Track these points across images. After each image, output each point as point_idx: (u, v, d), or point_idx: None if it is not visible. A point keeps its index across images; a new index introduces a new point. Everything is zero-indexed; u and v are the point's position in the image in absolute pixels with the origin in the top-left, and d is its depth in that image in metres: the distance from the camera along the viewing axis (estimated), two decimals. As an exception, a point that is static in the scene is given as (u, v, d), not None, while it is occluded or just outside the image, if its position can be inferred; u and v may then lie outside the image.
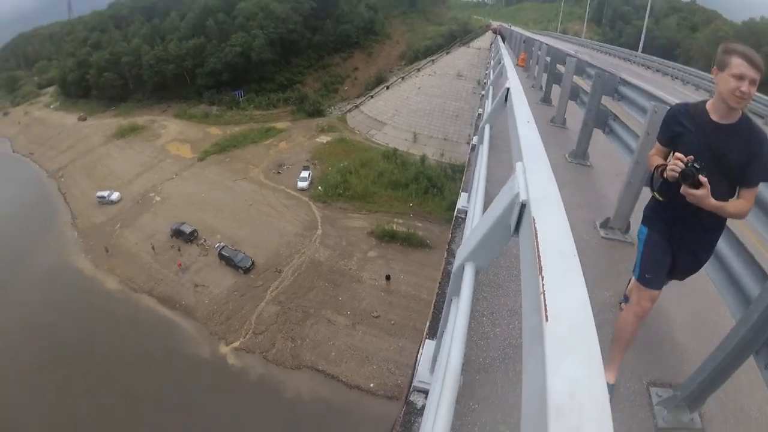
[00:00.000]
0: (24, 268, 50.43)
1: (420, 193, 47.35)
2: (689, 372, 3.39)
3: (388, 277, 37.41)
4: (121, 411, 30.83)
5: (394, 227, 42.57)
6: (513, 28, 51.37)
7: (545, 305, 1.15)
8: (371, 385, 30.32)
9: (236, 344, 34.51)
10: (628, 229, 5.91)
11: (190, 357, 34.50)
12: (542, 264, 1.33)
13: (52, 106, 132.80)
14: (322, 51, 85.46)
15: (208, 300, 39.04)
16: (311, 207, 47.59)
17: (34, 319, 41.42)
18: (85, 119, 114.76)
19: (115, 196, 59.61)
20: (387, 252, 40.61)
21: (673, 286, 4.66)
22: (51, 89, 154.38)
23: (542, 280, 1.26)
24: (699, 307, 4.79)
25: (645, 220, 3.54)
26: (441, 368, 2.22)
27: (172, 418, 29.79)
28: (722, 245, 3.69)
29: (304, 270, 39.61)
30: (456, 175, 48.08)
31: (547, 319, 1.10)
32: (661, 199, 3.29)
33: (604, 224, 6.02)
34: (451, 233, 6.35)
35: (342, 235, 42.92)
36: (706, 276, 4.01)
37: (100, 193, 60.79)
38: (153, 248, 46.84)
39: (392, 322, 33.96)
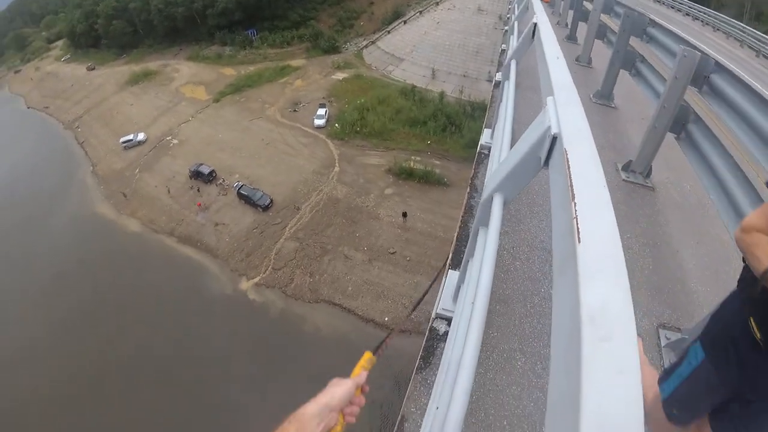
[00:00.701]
0: (48, 217, 52.27)
1: (438, 130, 46.61)
2: (699, 317, 3.50)
3: (404, 214, 37.59)
4: (148, 345, 32.46)
5: (412, 165, 42.35)
6: None
7: (578, 229, 1.24)
8: (386, 319, 31.07)
9: (256, 280, 35.48)
10: (649, 173, 5.96)
11: (213, 293, 35.71)
12: (575, 192, 1.41)
13: (63, 59, 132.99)
14: None
15: (228, 238, 39.98)
16: (328, 145, 47.44)
17: (61, 265, 43.12)
18: (93, 68, 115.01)
19: (141, 136, 60.92)
20: (404, 190, 40.55)
21: (689, 233, 5.09)
22: (60, 42, 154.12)
23: (575, 206, 1.34)
24: (713, 255, 4.80)
25: (706, 341, 2.12)
26: (468, 295, 2.31)
27: (198, 351, 31.22)
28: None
29: (322, 207, 39.97)
30: (475, 113, 47.30)
31: (579, 241, 1.20)
32: (758, 334, 1.72)
33: (626, 167, 6.05)
34: (474, 169, 6.41)
35: (359, 173, 42.95)
36: (722, 225, 4.06)
37: (125, 138, 61.72)
38: (168, 191, 47.70)
39: (408, 258, 34.37)
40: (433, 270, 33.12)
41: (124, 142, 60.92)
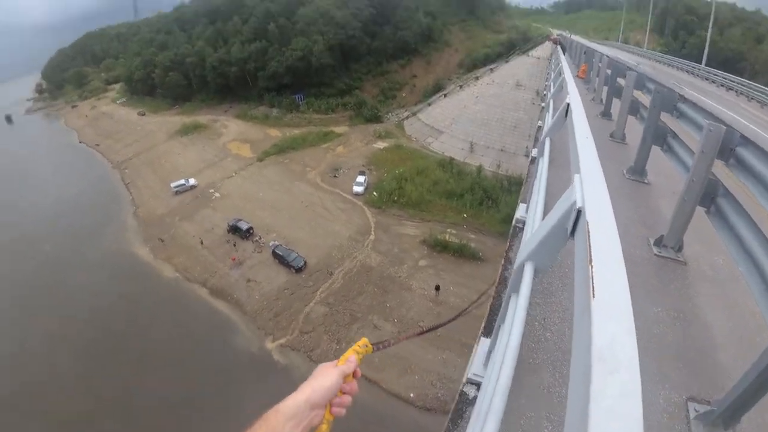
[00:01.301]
0: (88, 252, 54.46)
1: (475, 204, 47.31)
2: (728, 389, 3.49)
3: (437, 288, 37.38)
4: (166, 393, 32.69)
5: (447, 237, 42.67)
6: (573, 37, 50.33)
7: (593, 286, 1.51)
8: (411, 395, 30.72)
9: (282, 341, 35.52)
10: (681, 247, 5.97)
11: (238, 349, 35.96)
12: (592, 256, 1.67)
13: (118, 102, 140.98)
14: (380, 57, 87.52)
15: (258, 296, 40.34)
16: (365, 212, 48.48)
17: (93, 299, 44.53)
18: (144, 114, 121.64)
19: (192, 181, 64.07)
20: (438, 262, 40.60)
21: (719, 306, 5.25)
22: (117, 86, 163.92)
23: (591, 268, 1.60)
24: (744, 327, 4.86)
25: None
26: (498, 360, 2.49)
27: (216, 404, 31.37)
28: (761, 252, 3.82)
29: (355, 274, 40.31)
30: (512, 188, 47.91)
31: (594, 296, 1.47)
32: None
33: (658, 242, 6.10)
34: (509, 242, 6.74)
35: (394, 242, 43.52)
36: (753, 298, 4.11)
37: (176, 183, 64.42)
38: (202, 242, 49.13)
39: (438, 333, 32.99)
40: (464, 347, 32.40)
41: (176, 187, 63.58)
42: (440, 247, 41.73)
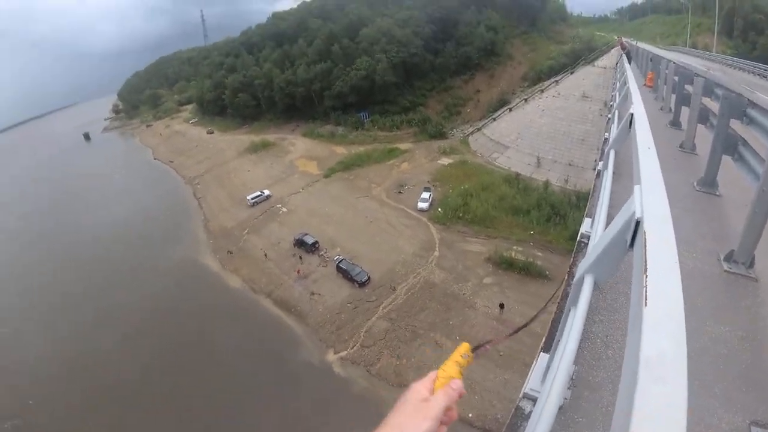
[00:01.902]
0: (157, 259, 58.25)
1: (542, 220, 46.07)
2: None
3: (501, 306, 36.54)
4: (225, 397, 33.93)
5: (513, 255, 41.62)
6: (639, 44, 48.51)
7: (646, 295, 1.53)
8: (470, 415, 29.92)
9: (343, 354, 35.76)
10: (752, 263, 5.63)
11: (299, 359, 36.60)
12: (647, 265, 1.68)
13: (190, 122, 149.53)
14: (443, 73, 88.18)
15: (322, 308, 40.96)
16: (430, 228, 48.39)
17: (161, 304, 47.60)
18: (212, 133, 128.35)
19: (267, 192, 67.66)
20: (503, 280, 39.65)
21: None
22: (190, 107, 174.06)
23: (645, 278, 1.61)
24: None
25: None
26: (552, 373, 2.49)
27: (274, 411, 32.10)
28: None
29: (418, 290, 40.15)
30: (581, 203, 45.99)
31: (646, 305, 1.50)
32: None
33: (728, 257, 5.80)
34: (573, 257, 6.65)
35: (459, 259, 43.04)
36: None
37: (252, 195, 67.91)
38: (265, 254, 50.80)
39: (501, 353, 32.84)
40: (526, 367, 31.45)
41: (253, 198, 66.92)
42: (506, 264, 40.73)
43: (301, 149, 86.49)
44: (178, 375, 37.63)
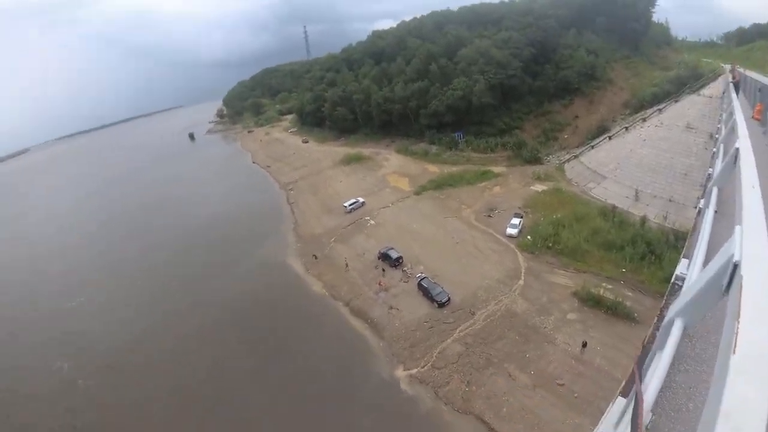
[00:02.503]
0: (249, 258, 61.84)
1: (635, 258, 43.24)
2: None
3: (584, 344, 34.46)
4: (290, 394, 35.44)
5: (601, 292, 39.18)
6: (746, 72, 44.20)
7: (735, 342, 1.51)
8: None
9: (413, 371, 35.54)
10: None
11: (368, 370, 36.96)
12: (741, 311, 1.63)
13: (289, 131, 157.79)
14: (541, 97, 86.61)
15: (398, 323, 41.18)
16: (517, 256, 47.42)
17: (246, 297, 51.12)
18: (307, 142, 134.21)
19: (362, 200, 70.71)
20: (588, 317, 37.58)
21: None
22: (290, 117, 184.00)
23: (738, 324, 1.58)
24: None
25: None
26: (628, 421, 2.41)
27: (334, 418, 32.67)
28: None
29: (498, 318, 39.05)
30: (679, 243, 42.89)
31: (734, 353, 1.48)
32: None
33: None
34: (665, 299, 6.40)
35: (544, 291, 41.56)
36: None
37: (349, 202, 71.08)
38: (346, 265, 52.26)
39: (576, 395, 31.32)
40: (602, 414, 29.29)
41: (350, 205, 69.98)
42: (592, 301, 38.61)
43: (394, 165, 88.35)
44: (244, 361, 40.22)
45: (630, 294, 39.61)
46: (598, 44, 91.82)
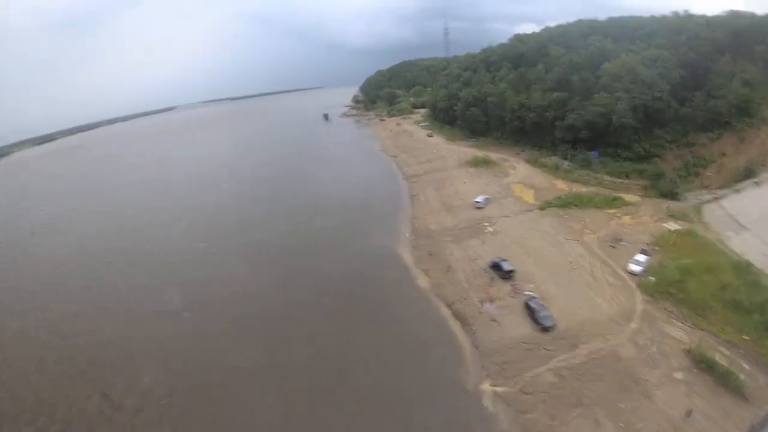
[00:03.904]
0: (364, 239, 66.14)
1: (761, 327, 37.52)
2: None
3: (689, 413, 30.44)
4: (369, 379, 36.58)
5: (716, 357, 34.51)
6: None
7: None
8: None
9: (499, 390, 34.39)
10: None
11: (454, 375, 36.60)
12: None
13: (420, 125, 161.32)
14: (687, 126, 78.40)
15: (496, 337, 40.34)
16: (635, 295, 43.87)
17: (353, 276, 55.04)
18: (431, 136, 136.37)
19: (488, 197, 74.23)
20: (696, 381, 33.24)
21: None
22: (422, 111, 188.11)
23: None
24: None
25: None
26: None
27: (404, 415, 32.93)
28: None
29: (600, 357, 36.08)
30: None
31: None
32: None
33: None
34: None
35: (655, 340, 37.46)
36: None
37: (479, 198, 74.13)
38: (448, 270, 53.10)
39: None
40: None
41: (477, 202, 72.79)
42: (705, 364, 34.05)
43: (521, 174, 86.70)
44: (342, 336, 42.77)
45: (746, 366, 34.48)
46: (755, 75, 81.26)
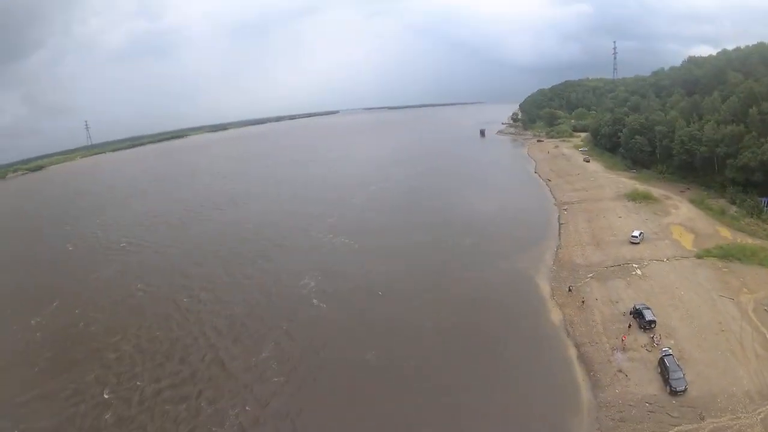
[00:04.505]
0: (500, 261, 68.70)
1: None
2: None
3: None
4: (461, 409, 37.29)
5: None
6: None
7: None
8: None
9: None
10: None
11: (563, 424, 35.32)
12: None
13: (580, 150, 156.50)
14: None
15: (619, 390, 37.94)
16: None
17: (478, 297, 57.11)
18: (588, 161, 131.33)
19: (643, 236, 71.74)
20: None
21: None
22: (583, 135, 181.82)
23: None
24: None
25: None
26: None
27: None
28: None
29: None
30: None
31: None
32: None
33: None
34: None
35: None
36: None
37: (634, 233, 72.18)
38: (582, 301, 52.78)
39: None
40: None
41: (634, 237, 71.07)
42: None
43: (682, 215, 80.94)
44: (457, 355, 45.52)
45: None
46: None
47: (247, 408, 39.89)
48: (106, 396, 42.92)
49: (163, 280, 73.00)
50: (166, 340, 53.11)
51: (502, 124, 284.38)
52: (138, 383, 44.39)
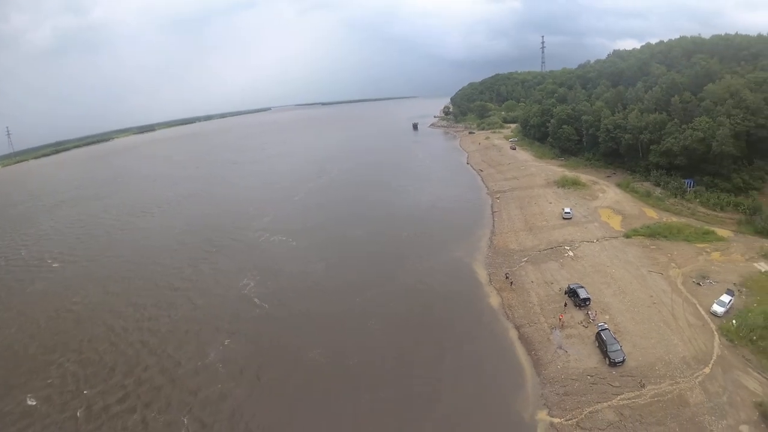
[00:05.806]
0: (440, 251, 68.29)
1: None
2: None
3: None
4: (414, 396, 37.61)
5: None
6: None
7: None
8: None
9: (556, 421, 33.40)
10: None
11: (511, 402, 36.36)
12: None
13: (510, 140, 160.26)
14: None
15: (560, 366, 39.43)
16: (714, 339, 40.79)
17: (423, 287, 57.35)
18: (514, 148, 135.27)
19: (573, 212, 75.96)
20: None
21: None
22: (513, 126, 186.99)
23: None
24: None
25: None
26: None
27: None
28: None
29: (666, 401, 34.00)
30: None
31: None
32: None
33: None
34: None
35: (727, 389, 34.62)
36: None
37: (566, 210, 76.47)
38: (521, 290, 53.24)
39: None
40: None
41: (566, 212, 75.18)
42: None
43: (610, 199, 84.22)
44: (405, 341, 45.69)
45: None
46: None
47: (197, 414, 37.85)
48: (53, 417, 39.26)
49: (99, 290, 67.04)
50: (108, 353, 49.07)
51: (435, 117, 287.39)
52: (84, 401, 41.00)
